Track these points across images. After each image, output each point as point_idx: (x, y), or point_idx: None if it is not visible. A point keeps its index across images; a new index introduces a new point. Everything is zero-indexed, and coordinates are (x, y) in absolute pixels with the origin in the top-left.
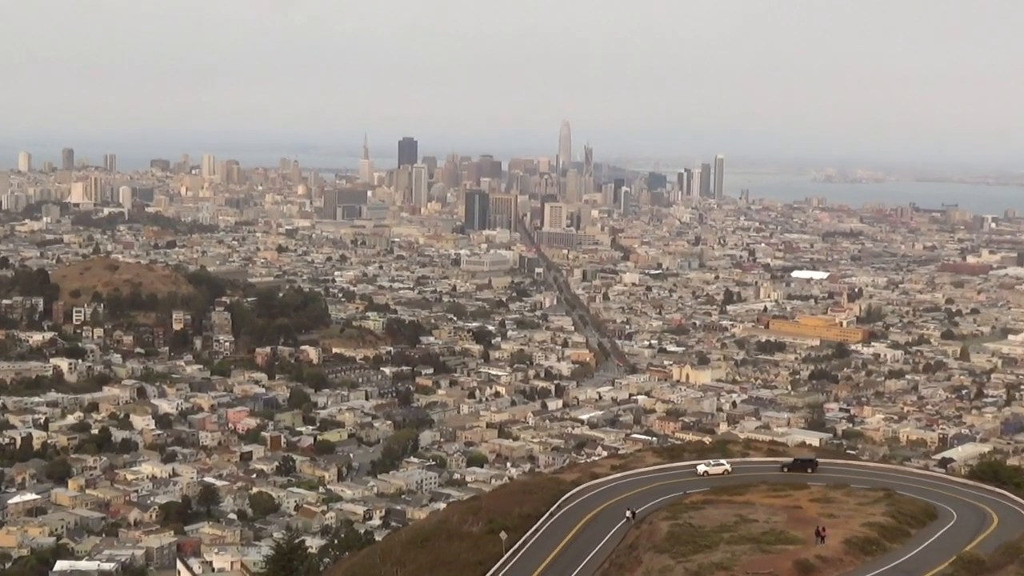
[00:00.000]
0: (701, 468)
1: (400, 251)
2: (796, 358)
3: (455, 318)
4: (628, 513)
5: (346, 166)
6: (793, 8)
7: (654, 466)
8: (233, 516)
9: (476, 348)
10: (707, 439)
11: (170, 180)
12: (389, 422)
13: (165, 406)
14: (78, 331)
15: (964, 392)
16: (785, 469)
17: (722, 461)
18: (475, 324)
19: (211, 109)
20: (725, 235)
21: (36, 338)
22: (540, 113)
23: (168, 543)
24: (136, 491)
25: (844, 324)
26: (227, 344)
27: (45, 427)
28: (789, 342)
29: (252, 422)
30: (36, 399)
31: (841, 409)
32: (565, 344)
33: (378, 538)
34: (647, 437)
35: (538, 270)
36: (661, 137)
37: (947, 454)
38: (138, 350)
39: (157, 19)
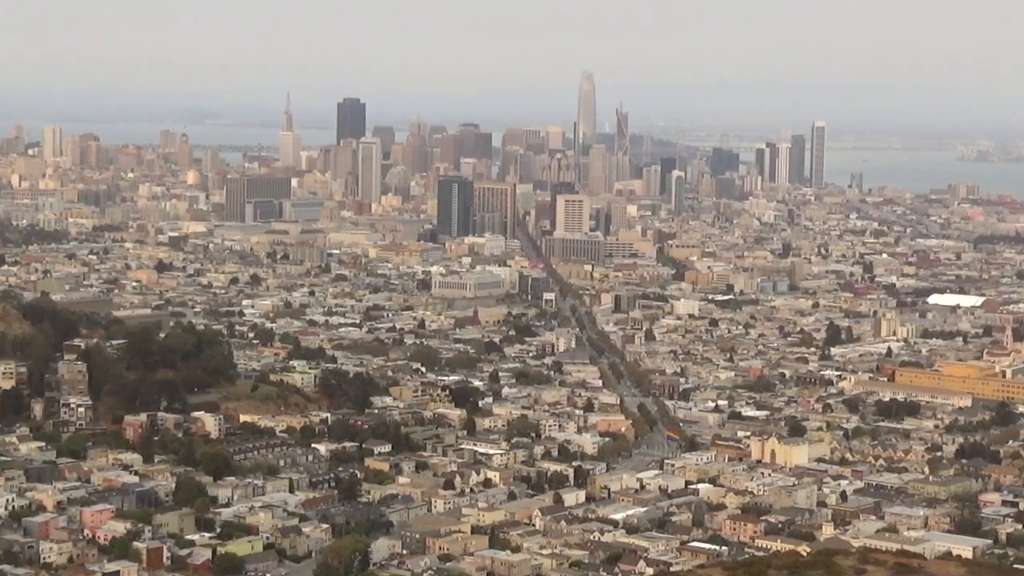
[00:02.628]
0: None
1: (341, 268)
2: (936, 426)
3: (423, 369)
4: None
5: (260, 141)
6: None
7: None
8: None
9: (456, 414)
10: (804, 548)
11: None
12: (325, 526)
13: None
14: None
15: None
16: None
17: None
18: (454, 378)
19: (57, 60)
20: (828, 241)
21: None
22: (548, 62)
23: None
24: None
25: (1009, 374)
26: (81, 410)
27: None
28: (926, 402)
29: (120, 527)
30: None
31: (1005, 502)
32: (589, 407)
33: None
34: (713, 546)
35: (548, 296)
36: (728, 96)
37: None
38: None
39: None
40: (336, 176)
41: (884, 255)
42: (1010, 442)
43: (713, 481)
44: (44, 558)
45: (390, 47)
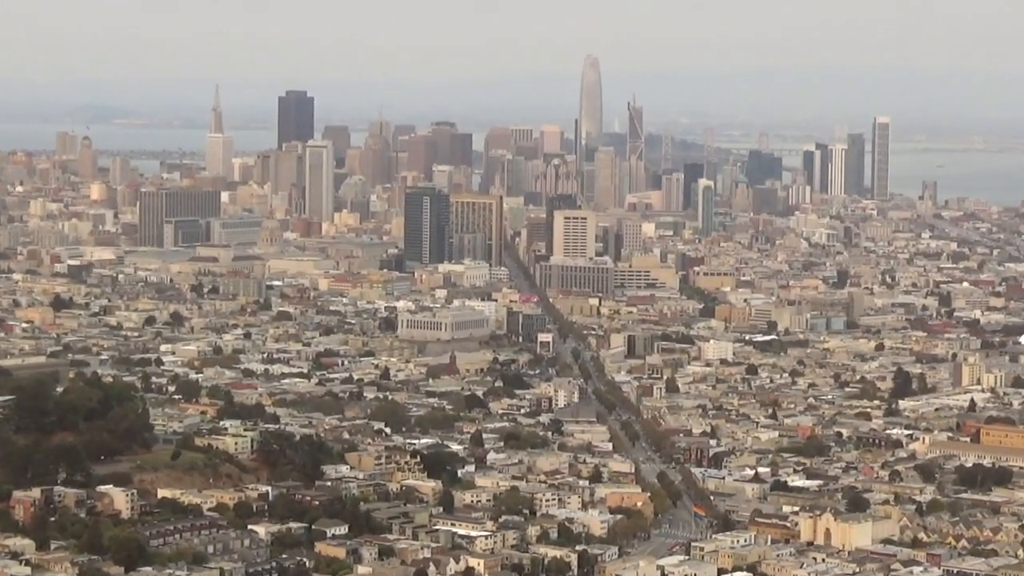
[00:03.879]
0: None
1: (284, 304)
2: None
3: (388, 430)
4: None
5: (182, 146)
6: None
7: None
8: None
9: (429, 486)
10: None
11: None
12: None
13: None
14: None
15: None
16: None
17: None
18: (426, 441)
19: None
20: (894, 267)
21: None
22: (542, 46)
23: None
24: None
25: None
26: None
27: None
28: (1019, 468)
29: None
30: None
31: None
32: (596, 477)
33: None
34: None
35: (543, 337)
36: (767, 87)
37: None
38: None
39: None
40: (277, 189)
41: (965, 284)
42: None
43: (753, 569)
44: None
45: (344, 26)
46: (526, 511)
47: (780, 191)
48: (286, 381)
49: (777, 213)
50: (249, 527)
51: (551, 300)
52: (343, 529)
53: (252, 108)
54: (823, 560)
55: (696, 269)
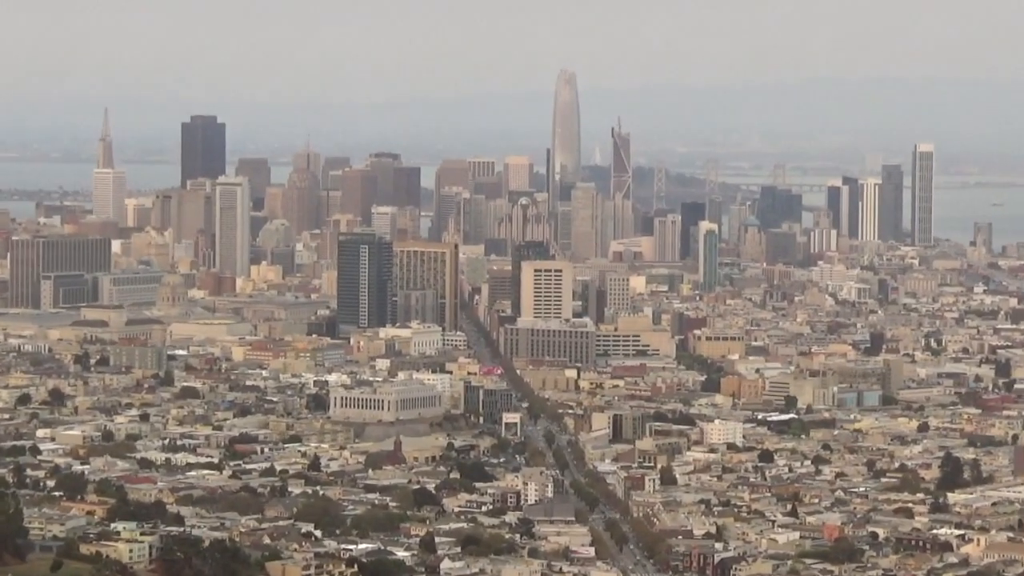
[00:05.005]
0: None
1: (190, 378)
2: None
3: (318, 534)
4: None
5: (63, 184)
6: None
7: None
8: None
9: None
10: None
11: None
12: None
13: None
14: None
15: None
16: None
17: None
18: (365, 547)
19: None
20: (940, 329)
21: None
22: (507, 59)
23: None
24: None
25: None
26: None
27: None
28: None
29: None
30: None
31: None
32: None
33: None
34: None
35: (509, 418)
36: (781, 106)
37: None
38: None
39: None
40: (181, 236)
41: None
42: None
43: None
44: None
45: (263, 37)
46: None
47: (800, 236)
48: (192, 474)
49: (796, 263)
50: None
51: (518, 372)
52: None
53: (149, 137)
54: None
55: (697, 333)
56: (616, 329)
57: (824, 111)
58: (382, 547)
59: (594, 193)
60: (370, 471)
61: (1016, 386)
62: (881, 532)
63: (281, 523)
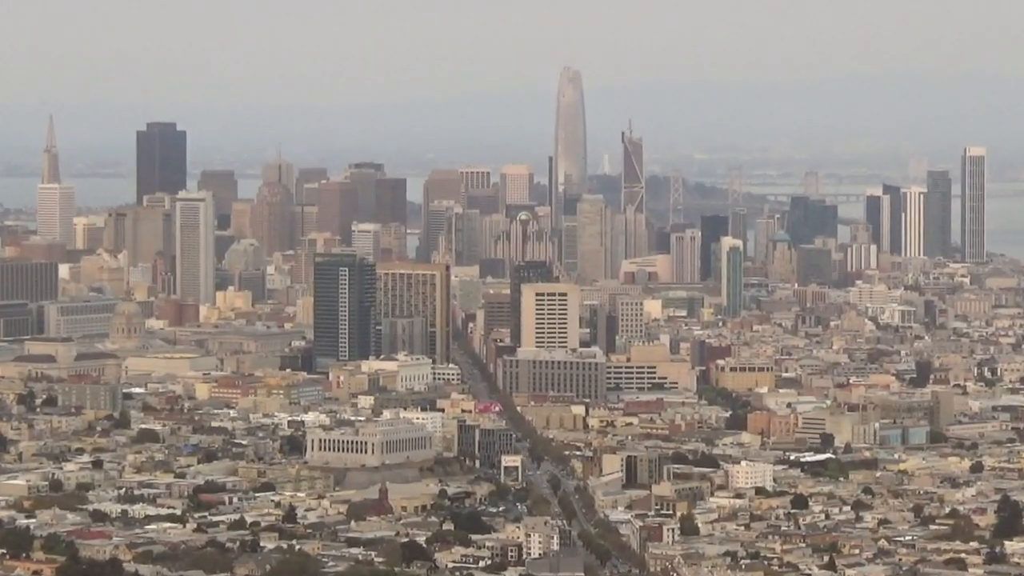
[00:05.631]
0: None
1: (149, 420)
2: None
3: None
4: None
5: (3, 201)
6: None
7: None
8: None
9: None
10: None
11: None
12: None
13: None
14: None
15: None
16: None
17: None
18: None
19: None
20: (995, 356)
21: None
22: (503, 57)
23: None
24: None
25: None
26: None
27: None
28: None
29: None
30: None
31: None
32: None
33: None
34: None
35: (509, 461)
36: (812, 106)
37: None
38: None
39: None
40: (137, 259)
41: None
42: None
43: None
44: None
45: (228, 33)
46: None
47: (835, 253)
48: (152, 527)
49: (831, 283)
50: None
51: (519, 409)
52: None
53: (100, 147)
54: None
55: (720, 363)
56: (629, 360)
57: (861, 111)
58: None
59: (603, 206)
60: (353, 523)
61: None
62: None
63: None
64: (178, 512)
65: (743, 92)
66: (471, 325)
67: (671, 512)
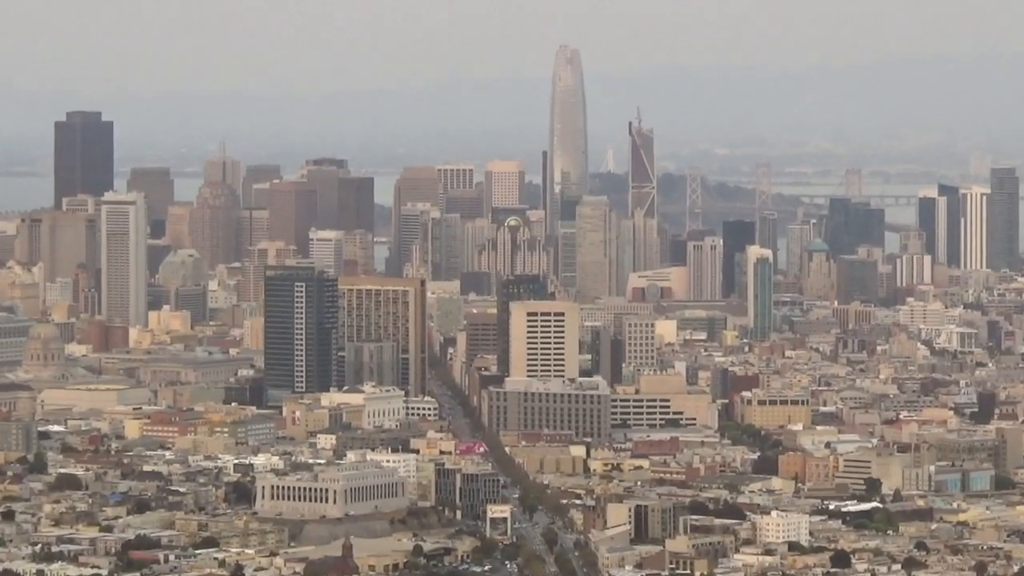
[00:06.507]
0: None
1: (69, 462)
2: None
3: None
4: None
5: None
6: None
7: None
8: None
9: None
10: None
11: None
12: None
13: None
14: None
15: None
16: None
17: None
18: None
19: None
20: None
21: None
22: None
23: None
24: None
25: None
26: None
27: None
28: None
29: None
30: None
31: None
32: None
33: None
34: None
35: (496, 511)
36: (850, 92)
37: None
38: None
39: None
40: (54, 273)
41: None
42: None
43: None
44: None
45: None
46: None
47: (882, 265)
48: None
49: (878, 301)
50: None
51: (508, 450)
52: None
53: (12, 140)
54: None
55: (746, 395)
56: (638, 391)
57: (913, 98)
58: None
59: (606, 210)
60: None
61: None
62: None
63: None
64: (104, 572)
65: (772, 77)
66: (451, 351)
67: (688, 572)
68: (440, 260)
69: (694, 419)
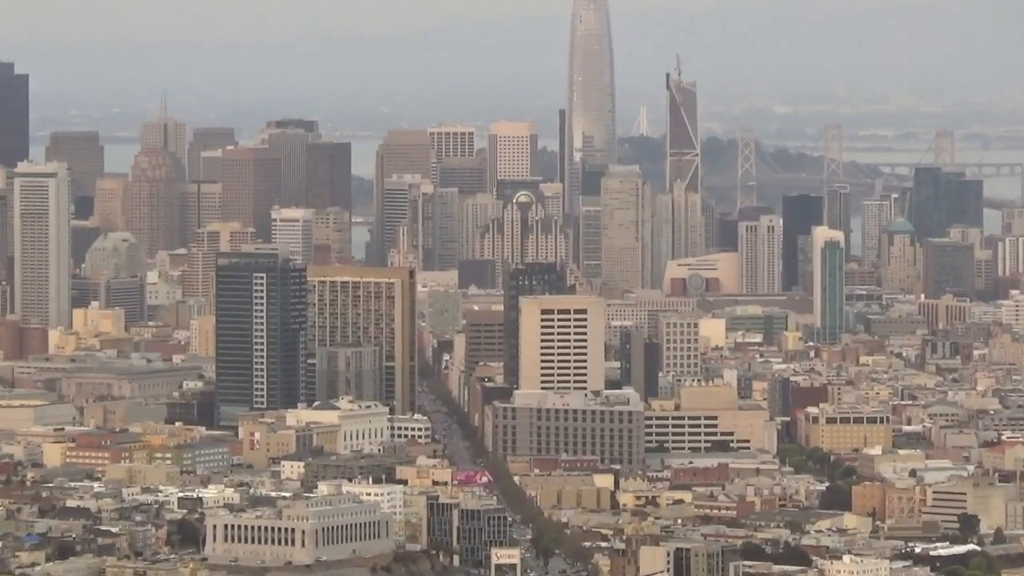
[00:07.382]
0: None
1: None
2: None
3: None
4: None
5: None
6: None
7: None
8: None
9: None
10: None
11: None
12: None
13: None
14: None
15: None
16: None
17: None
18: None
19: None
20: None
21: None
22: None
23: None
24: None
25: None
26: None
27: None
28: None
29: None
30: None
31: None
32: None
33: None
34: None
35: (504, 555)
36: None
37: None
38: None
39: None
40: None
41: None
42: None
43: None
44: None
45: None
46: None
47: (980, 250)
48: None
49: (976, 294)
50: None
51: (517, 480)
52: None
53: None
54: None
55: (812, 411)
56: (678, 407)
57: (1017, 44)
58: None
59: (639, 182)
60: None
61: None
62: None
63: None
64: None
65: (838, 18)
66: (446, 357)
67: None
68: (433, 245)
69: (747, 441)
